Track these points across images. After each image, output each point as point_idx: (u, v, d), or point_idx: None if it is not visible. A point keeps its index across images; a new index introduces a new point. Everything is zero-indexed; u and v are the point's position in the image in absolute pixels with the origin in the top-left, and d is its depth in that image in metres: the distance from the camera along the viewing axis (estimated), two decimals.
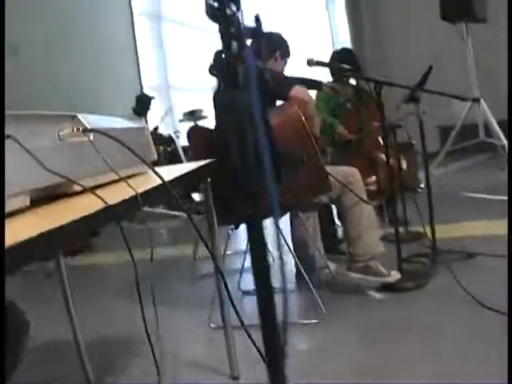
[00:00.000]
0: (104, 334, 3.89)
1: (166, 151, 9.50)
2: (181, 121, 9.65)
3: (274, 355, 1.67)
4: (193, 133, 4.35)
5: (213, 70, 4.47)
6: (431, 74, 4.72)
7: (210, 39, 12.68)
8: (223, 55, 4.35)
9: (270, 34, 4.42)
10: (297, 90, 3.90)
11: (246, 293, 4.49)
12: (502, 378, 2.63)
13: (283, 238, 4.02)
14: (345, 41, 13.05)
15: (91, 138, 1.94)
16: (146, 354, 3.46)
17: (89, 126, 1.96)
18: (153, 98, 10.84)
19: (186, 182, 2.65)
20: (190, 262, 5.44)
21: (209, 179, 2.91)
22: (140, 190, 1.76)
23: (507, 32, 7.75)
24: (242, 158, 3.88)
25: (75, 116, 2.01)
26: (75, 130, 1.91)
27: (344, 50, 6.33)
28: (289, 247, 4.15)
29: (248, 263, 4.70)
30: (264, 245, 1.70)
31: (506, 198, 6.55)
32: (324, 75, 5.53)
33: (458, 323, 3.42)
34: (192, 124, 8.43)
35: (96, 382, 3.23)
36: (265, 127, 3.70)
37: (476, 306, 3.47)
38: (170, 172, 2.35)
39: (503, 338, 3.07)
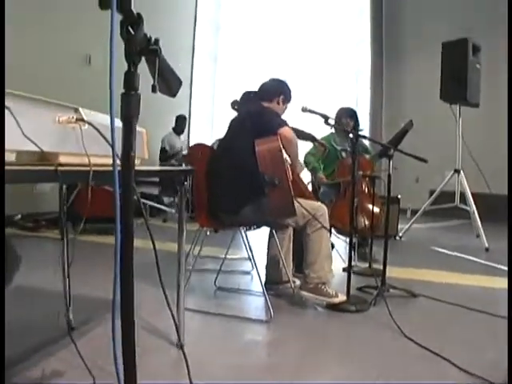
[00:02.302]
0: (94, 296, 3.99)
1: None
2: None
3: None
4: (194, 148, 4.54)
5: (235, 105, 4.63)
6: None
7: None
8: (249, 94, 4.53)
9: (276, 80, 4.56)
10: (285, 129, 4.05)
11: (220, 288, 4.72)
12: None
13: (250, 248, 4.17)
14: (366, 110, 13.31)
15: (85, 127, 2.10)
16: None
17: (85, 119, 2.13)
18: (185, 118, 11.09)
19: (161, 179, 2.76)
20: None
21: (185, 183, 3.02)
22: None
23: (507, 35, 7.83)
24: (229, 175, 4.05)
25: (77, 109, 2.18)
26: (72, 118, 2.08)
27: (349, 109, 6.47)
28: (254, 262, 4.27)
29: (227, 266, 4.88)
30: None
31: (469, 257, 6.70)
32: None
33: (379, 345, 3.51)
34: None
35: (76, 328, 3.40)
36: (251, 154, 3.89)
37: (400, 336, 3.59)
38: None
39: (407, 359, 3.22)
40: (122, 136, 1.59)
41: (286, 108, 4.53)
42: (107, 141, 1.93)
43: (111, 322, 1.62)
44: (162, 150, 10.58)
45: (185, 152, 10.18)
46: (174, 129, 10.84)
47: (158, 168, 2.63)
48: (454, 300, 4.54)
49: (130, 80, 1.58)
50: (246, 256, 5.56)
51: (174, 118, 10.91)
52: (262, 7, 13.87)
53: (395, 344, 3.48)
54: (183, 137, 11.17)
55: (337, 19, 13.81)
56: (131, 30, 1.54)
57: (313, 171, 6.00)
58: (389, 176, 4.53)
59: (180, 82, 1.84)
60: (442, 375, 2.98)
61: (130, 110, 1.58)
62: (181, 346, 3.07)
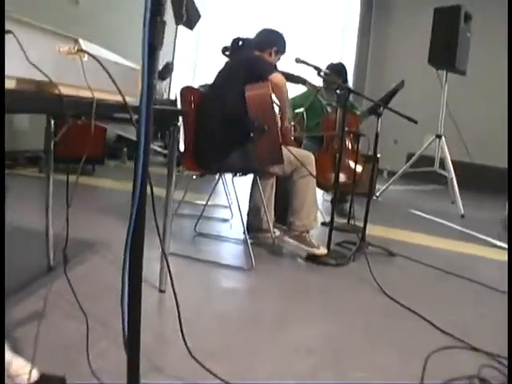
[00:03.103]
0: (76, 237, 3.96)
1: None
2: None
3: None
4: (185, 90, 4.47)
5: (226, 51, 4.56)
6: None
7: None
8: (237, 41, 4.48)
9: (272, 32, 4.52)
10: (276, 75, 4.01)
11: (200, 234, 4.69)
12: (372, 340, 2.79)
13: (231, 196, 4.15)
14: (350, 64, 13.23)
15: (84, 59, 2.04)
16: (105, 255, 3.63)
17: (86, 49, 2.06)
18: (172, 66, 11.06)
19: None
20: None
21: (177, 124, 2.97)
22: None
23: (507, 35, 7.83)
24: (219, 121, 4.02)
25: (77, 39, 2.12)
26: (73, 48, 2.02)
27: (339, 64, 6.41)
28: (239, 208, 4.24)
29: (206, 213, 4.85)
30: None
31: (445, 222, 6.75)
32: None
33: (357, 299, 3.55)
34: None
35: (54, 267, 3.37)
36: (241, 100, 3.86)
37: (380, 293, 3.62)
38: None
39: (387, 317, 3.24)
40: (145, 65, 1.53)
41: (278, 59, 4.49)
42: (109, 74, 1.88)
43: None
44: None
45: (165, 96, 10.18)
46: (159, 74, 10.75)
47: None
48: (431, 262, 4.59)
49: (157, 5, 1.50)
50: (227, 204, 5.55)
51: (163, 64, 10.86)
52: None
53: (376, 301, 3.51)
54: (165, 82, 11.16)
55: None
56: None
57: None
58: (376, 135, 4.52)
59: (199, 16, 1.79)
60: (421, 334, 3.02)
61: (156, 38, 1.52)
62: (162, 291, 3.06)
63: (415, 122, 4.45)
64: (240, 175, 4.29)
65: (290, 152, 4.05)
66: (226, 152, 4.06)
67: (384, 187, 8.44)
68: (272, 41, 4.44)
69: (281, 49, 4.48)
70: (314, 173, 4.23)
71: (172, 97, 11.04)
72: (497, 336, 3.11)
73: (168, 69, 10.86)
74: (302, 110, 5.82)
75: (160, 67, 10.79)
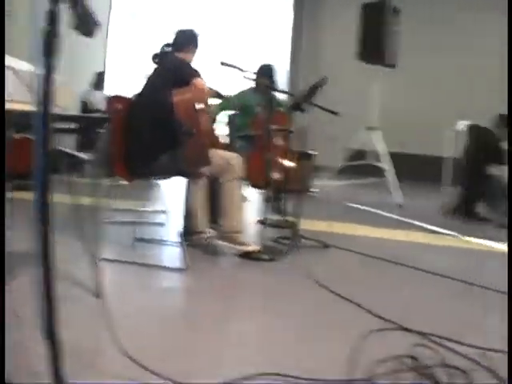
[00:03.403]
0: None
1: None
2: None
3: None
4: (112, 99, 4.50)
5: (155, 58, 4.60)
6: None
7: None
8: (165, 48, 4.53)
9: (185, 30, 4.60)
10: (197, 81, 4.10)
11: (138, 239, 4.69)
12: (306, 329, 2.87)
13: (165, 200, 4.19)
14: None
15: None
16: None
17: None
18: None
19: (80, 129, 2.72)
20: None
21: (104, 131, 3.00)
22: None
23: (507, 34, 7.99)
24: (148, 127, 4.07)
25: None
26: None
27: (266, 65, 6.49)
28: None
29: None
30: None
31: (382, 212, 6.91)
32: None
33: (291, 291, 3.62)
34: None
35: None
36: (169, 105, 3.92)
37: (314, 284, 3.68)
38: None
39: (320, 305, 3.33)
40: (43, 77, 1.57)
41: (194, 54, 4.58)
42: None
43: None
44: (83, 106, 10.48)
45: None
46: (93, 85, 10.74)
47: (77, 114, 2.60)
48: (367, 251, 4.70)
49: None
50: (163, 208, 5.58)
51: (95, 75, 10.83)
52: None
53: (310, 292, 3.58)
54: (102, 93, 11.09)
55: None
56: None
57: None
58: (300, 130, 4.62)
59: (96, 24, 1.83)
60: (354, 320, 3.10)
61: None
62: (97, 296, 3.08)
63: (336, 114, 4.55)
64: (168, 177, 4.35)
65: (215, 155, 4.12)
66: (156, 156, 4.10)
67: (322, 182, 8.52)
68: (186, 39, 4.53)
69: (195, 44, 4.57)
70: (241, 174, 4.32)
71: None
72: (430, 317, 3.23)
73: (100, 79, 10.85)
74: (233, 112, 5.91)
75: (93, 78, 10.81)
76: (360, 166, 8.70)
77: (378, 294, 3.66)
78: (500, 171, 6.90)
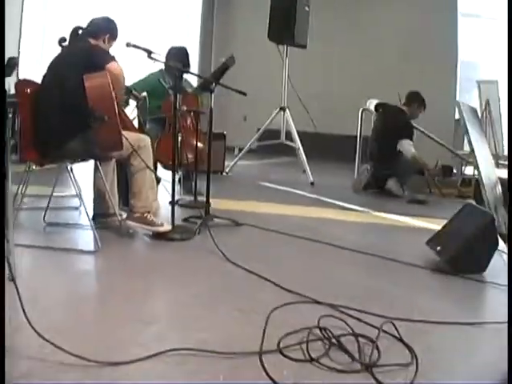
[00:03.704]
0: None
1: None
2: None
3: None
4: (19, 84, 4.45)
5: (63, 41, 4.54)
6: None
7: None
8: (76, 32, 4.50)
9: (104, 19, 4.57)
10: (112, 64, 4.10)
11: (49, 224, 4.66)
12: (215, 304, 2.95)
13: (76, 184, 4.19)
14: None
15: None
16: None
17: None
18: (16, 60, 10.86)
19: None
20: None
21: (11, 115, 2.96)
22: None
23: (507, 35, 8.07)
24: (58, 110, 4.04)
25: None
26: None
27: (178, 48, 6.50)
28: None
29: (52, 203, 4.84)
30: None
31: (295, 190, 7.04)
32: None
33: (202, 268, 3.71)
34: None
35: None
36: (79, 88, 3.91)
37: (225, 261, 3.76)
38: None
39: (230, 281, 3.43)
40: None
41: (111, 46, 4.54)
42: None
43: None
44: None
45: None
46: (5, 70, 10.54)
47: None
48: (278, 228, 4.81)
49: None
50: (74, 193, 5.53)
51: (7, 59, 10.61)
52: None
53: (221, 268, 3.66)
54: (12, 78, 10.88)
55: None
56: None
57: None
58: (210, 110, 4.69)
59: None
60: (264, 294, 3.19)
61: None
62: (12, 279, 3.06)
63: (244, 94, 4.62)
64: (79, 161, 4.33)
65: (125, 137, 4.12)
66: (66, 139, 4.07)
67: (233, 162, 8.58)
68: (104, 28, 4.49)
69: (113, 35, 4.53)
70: (151, 154, 4.36)
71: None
72: (339, 289, 3.36)
73: (12, 64, 10.62)
74: (144, 94, 5.88)
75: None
76: (273, 145, 8.79)
77: (286, 269, 3.79)
78: (403, 144, 7.14)
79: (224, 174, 8.28)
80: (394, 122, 7.39)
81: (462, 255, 3.79)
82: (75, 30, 4.53)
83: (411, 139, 7.24)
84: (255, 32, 10.35)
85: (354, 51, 12.00)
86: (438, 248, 4.03)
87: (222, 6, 13.63)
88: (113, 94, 4.01)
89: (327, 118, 11.11)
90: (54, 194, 4.86)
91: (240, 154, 8.73)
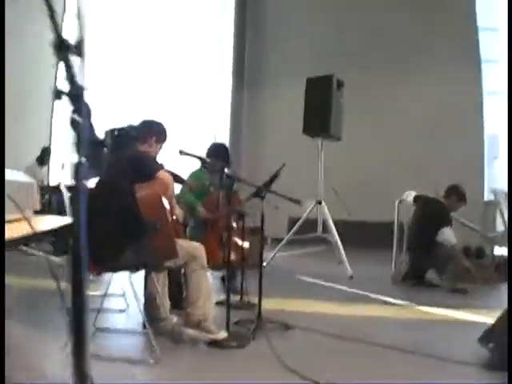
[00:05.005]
0: None
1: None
2: None
3: None
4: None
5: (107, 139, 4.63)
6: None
7: None
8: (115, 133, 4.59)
9: (150, 122, 4.69)
10: (162, 174, 4.21)
11: (99, 329, 4.61)
12: None
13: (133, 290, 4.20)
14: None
15: None
16: None
17: None
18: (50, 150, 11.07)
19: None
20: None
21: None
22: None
23: (507, 45, 8.13)
24: (111, 219, 4.09)
25: None
26: None
27: (220, 145, 6.64)
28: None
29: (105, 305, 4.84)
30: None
31: (335, 285, 7.03)
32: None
33: (263, 379, 3.65)
34: None
35: None
36: (132, 198, 3.98)
37: (284, 369, 3.72)
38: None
39: None
40: None
41: (160, 148, 4.66)
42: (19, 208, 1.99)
43: None
44: None
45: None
46: (37, 159, 10.74)
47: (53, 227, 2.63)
48: (327, 330, 4.80)
49: None
50: (118, 292, 5.48)
51: (40, 150, 10.85)
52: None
53: (282, 377, 3.63)
54: (45, 169, 11.11)
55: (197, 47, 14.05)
56: None
57: (191, 207, 6.04)
58: (262, 216, 4.75)
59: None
60: None
61: None
62: None
63: (298, 203, 4.70)
64: (136, 271, 4.35)
65: (181, 246, 4.18)
66: (121, 249, 4.11)
67: (271, 256, 8.55)
68: (151, 131, 4.61)
69: (161, 138, 4.65)
70: (205, 263, 4.40)
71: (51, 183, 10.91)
72: None
73: (46, 153, 10.85)
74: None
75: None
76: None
77: (347, 377, 3.72)
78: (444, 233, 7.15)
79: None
80: (433, 212, 7.44)
81: None
82: (111, 133, 4.63)
83: (450, 227, 7.27)
84: (287, 125, 10.59)
85: (383, 138, 12.20)
86: (491, 345, 4.00)
87: (253, 102, 13.88)
88: (163, 203, 4.10)
89: (360, 205, 11.19)
90: (101, 292, 4.86)
91: (277, 248, 8.70)
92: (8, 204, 2.14)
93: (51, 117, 12.91)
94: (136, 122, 4.69)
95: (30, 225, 1.98)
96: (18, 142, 10.82)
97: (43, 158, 10.85)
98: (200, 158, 4.61)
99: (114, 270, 4.24)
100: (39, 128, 12.62)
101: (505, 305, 4.37)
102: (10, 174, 2.56)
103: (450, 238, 7.15)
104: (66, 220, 3.12)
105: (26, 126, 11.55)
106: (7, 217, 2.28)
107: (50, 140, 12.79)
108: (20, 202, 2.17)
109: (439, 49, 12.23)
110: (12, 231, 2.02)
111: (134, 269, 4.29)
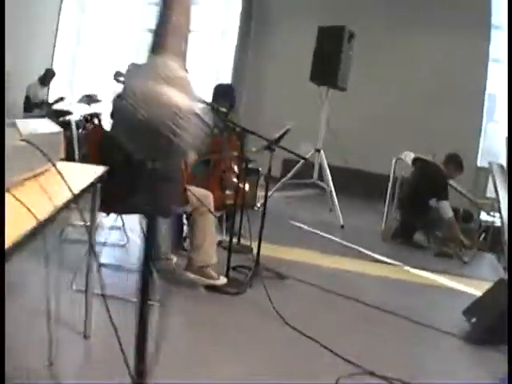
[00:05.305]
0: None
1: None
2: (79, 101, 9.79)
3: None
4: (93, 131, 4.57)
5: (118, 76, 4.57)
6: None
7: None
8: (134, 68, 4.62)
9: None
10: None
11: (103, 265, 4.65)
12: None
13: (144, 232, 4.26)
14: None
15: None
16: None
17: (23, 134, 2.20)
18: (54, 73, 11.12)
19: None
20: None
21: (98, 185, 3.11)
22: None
23: (507, 40, 8.16)
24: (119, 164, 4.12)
25: (15, 124, 2.23)
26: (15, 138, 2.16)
27: (226, 86, 6.66)
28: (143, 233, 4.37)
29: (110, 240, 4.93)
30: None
31: (326, 235, 7.18)
32: None
33: (266, 335, 3.82)
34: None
35: None
36: None
37: (283, 324, 3.89)
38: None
39: (289, 347, 3.60)
40: None
41: None
42: (53, 164, 2.08)
43: None
44: (26, 98, 10.59)
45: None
46: (40, 79, 10.81)
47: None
48: (319, 282, 4.99)
49: None
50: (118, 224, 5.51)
51: (45, 70, 10.93)
52: None
53: (280, 334, 3.80)
54: (46, 89, 11.18)
55: None
56: None
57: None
58: (269, 168, 4.88)
59: None
60: (323, 363, 3.39)
61: None
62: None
63: (305, 159, 4.80)
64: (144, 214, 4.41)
65: (190, 192, 4.30)
66: (131, 192, 4.16)
67: (264, 199, 8.54)
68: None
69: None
70: (212, 209, 4.49)
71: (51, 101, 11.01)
72: (392, 360, 3.54)
73: (50, 75, 10.91)
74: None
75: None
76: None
77: (338, 334, 3.92)
78: (441, 205, 7.30)
79: (255, 208, 8.34)
80: (432, 178, 7.56)
81: (497, 328, 3.90)
82: (134, 67, 4.64)
83: (446, 199, 7.40)
84: (293, 69, 10.57)
85: (388, 93, 12.30)
86: (473, 320, 4.19)
87: (259, 39, 13.84)
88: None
89: (358, 154, 11.29)
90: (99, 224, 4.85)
91: (272, 191, 8.77)
92: (39, 157, 2.20)
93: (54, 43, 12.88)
94: None
95: (70, 189, 2.04)
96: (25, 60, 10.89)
97: (46, 78, 10.94)
98: (210, 104, 4.66)
99: (124, 212, 4.32)
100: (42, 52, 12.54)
101: (492, 277, 4.54)
102: (37, 124, 2.61)
103: (447, 211, 7.30)
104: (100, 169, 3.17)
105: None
106: (37, 170, 2.35)
107: (52, 61, 12.78)
108: (49, 154, 2.23)
109: (452, 11, 12.09)
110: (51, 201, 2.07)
111: (142, 213, 4.36)
